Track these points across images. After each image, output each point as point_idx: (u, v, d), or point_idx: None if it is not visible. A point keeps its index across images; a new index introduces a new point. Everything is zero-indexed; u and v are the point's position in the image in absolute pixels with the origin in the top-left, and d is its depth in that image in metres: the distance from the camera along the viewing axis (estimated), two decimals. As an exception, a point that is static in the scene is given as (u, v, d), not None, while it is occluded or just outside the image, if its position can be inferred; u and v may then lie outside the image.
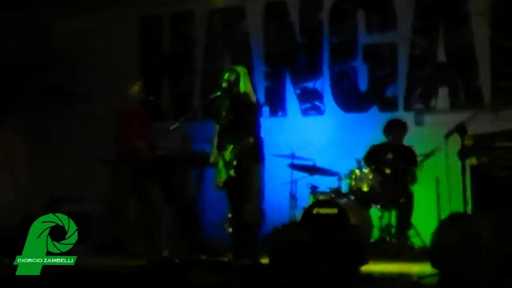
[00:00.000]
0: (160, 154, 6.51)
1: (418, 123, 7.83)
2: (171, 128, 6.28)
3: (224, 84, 6.18)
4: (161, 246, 6.83)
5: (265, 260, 5.72)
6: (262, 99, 8.46)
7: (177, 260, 6.18)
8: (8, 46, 9.18)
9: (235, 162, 6.08)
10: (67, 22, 9.28)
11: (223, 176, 6.17)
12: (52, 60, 9.25)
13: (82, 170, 8.86)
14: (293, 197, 7.57)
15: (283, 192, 7.65)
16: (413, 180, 7.34)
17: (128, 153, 7.09)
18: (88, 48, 9.17)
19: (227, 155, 6.17)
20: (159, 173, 7.04)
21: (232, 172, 6.08)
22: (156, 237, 6.97)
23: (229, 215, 6.72)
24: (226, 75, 6.23)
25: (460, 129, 6.16)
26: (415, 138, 7.56)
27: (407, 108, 7.96)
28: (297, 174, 7.65)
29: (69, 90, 9.18)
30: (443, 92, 7.83)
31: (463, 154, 6.18)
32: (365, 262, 5.48)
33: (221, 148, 6.25)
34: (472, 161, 6.50)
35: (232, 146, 6.14)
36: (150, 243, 6.92)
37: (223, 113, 6.27)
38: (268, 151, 6.42)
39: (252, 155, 6.09)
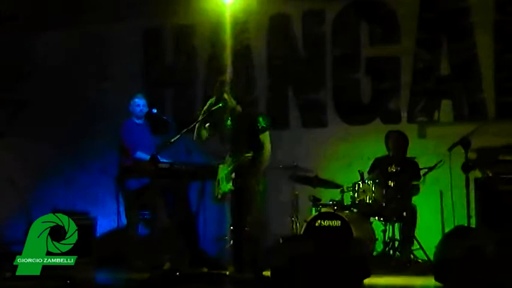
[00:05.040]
0: (162, 167, 6.48)
1: (422, 135, 7.81)
2: (172, 140, 6.26)
3: (225, 96, 6.16)
4: (163, 259, 6.79)
5: (267, 273, 5.68)
6: (264, 111, 8.43)
7: (178, 273, 6.14)
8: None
9: (233, 175, 6.06)
10: (71, 35, 9.28)
11: (222, 189, 6.15)
12: (56, 73, 9.26)
13: (85, 184, 8.85)
14: (295, 210, 7.52)
15: (285, 204, 7.60)
16: (416, 192, 7.30)
17: (130, 166, 7.07)
18: (92, 61, 9.18)
19: (226, 167, 6.15)
20: (161, 186, 7.01)
21: (230, 185, 6.05)
22: (157, 250, 6.93)
23: (231, 228, 6.69)
24: (223, 88, 6.21)
25: (464, 143, 6.14)
26: (418, 151, 7.52)
27: (411, 120, 7.94)
28: (300, 186, 7.61)
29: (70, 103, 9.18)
30: (446, 104, 7.80)
31: (466, 167, 6.18)
32: (368, 275, 5.44)
33: (221, 160, 6.24)
34: (476, 174, 6.49)
35: (231, 158, 6.13)
36: (152, 257, 6.88)
37: (225, 125, 6.25)
38: (270, 163, 6.38)
39: (250, 168, 6.06)
